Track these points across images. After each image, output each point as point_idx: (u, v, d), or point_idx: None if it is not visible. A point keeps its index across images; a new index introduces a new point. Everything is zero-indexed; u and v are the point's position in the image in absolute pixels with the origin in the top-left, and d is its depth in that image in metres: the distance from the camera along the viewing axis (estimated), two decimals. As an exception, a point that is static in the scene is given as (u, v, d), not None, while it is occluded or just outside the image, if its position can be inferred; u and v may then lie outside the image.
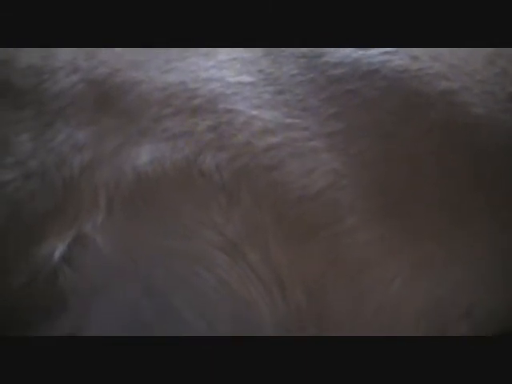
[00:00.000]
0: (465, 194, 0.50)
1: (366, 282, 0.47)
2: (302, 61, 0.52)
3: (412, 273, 0.47)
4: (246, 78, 0.51)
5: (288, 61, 0.52)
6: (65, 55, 0.53)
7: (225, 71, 0.51)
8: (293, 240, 0.47)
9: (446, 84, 0.51)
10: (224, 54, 0.53)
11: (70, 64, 0.52)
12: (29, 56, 0.53)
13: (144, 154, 0.47)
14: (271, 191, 0.47)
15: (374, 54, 0.52)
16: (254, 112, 0.49)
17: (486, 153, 0.50)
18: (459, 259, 0.49)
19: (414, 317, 0.48)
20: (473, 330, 0.49)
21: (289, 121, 0.49)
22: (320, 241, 0.47)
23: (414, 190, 0.49)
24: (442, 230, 0.49)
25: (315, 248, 0.47)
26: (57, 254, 0.45)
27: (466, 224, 0.49)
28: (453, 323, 0.49)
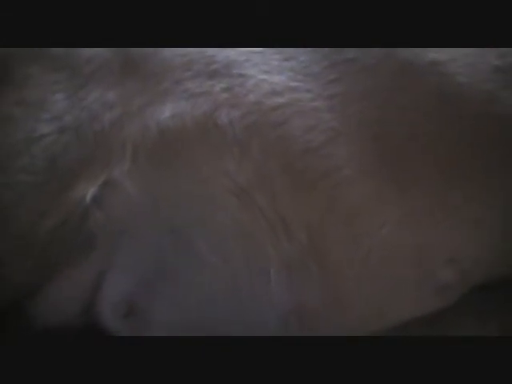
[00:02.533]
0: (459, 159, 0.53)
1: (359, 226, 0.50)
2: None
3: (400, 220, 0.51)
4: (256, 48, 0.54)
5: None
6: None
7: None
8: (297, 187, 0.50)
9: (434, 55, 0.54)
10: None
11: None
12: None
13: (167, 111, 0.50)
14: (278, 145, 0.50)
15: None
16: (263, 76, 0.52)
17: (476, 120, 0.53)
18: (445, 210, 0.52)
19: (403, 260, 0.51)
20: (459, 276, 0.53)
21: (294, 84, 0.52)
22: (320, 188, 0.50)
23: (409, 148, 0.52)
24: (431, 184, 0.52)
25: (316, 195, 0.50)
26: (88, 197, 0.48)
27: (456, 181, 0.52)
28: (439, 269, 0.52)
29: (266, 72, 0.52)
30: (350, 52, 0.54)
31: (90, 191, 0.48)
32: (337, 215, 0.50)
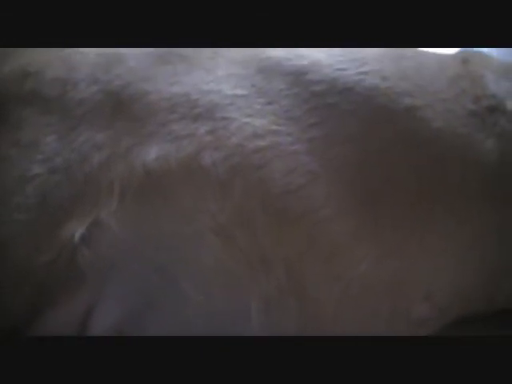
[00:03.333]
0: (431, 196, 0.54)
1: (338, 263, 0.51)
2: (289, 78, 0.56)
3: (377, 257, 0.52)
4: (240, 91, 0.54)
5: (277, 78, 0.55)
6: (85, 69, 0.56)
7: (222, 85, 0.54)
8: (277, 226, 0.50)
9: (410, 101, 0.55)
10: (222, 70, 0.56)
11: (90, 77, 0.55)
12: (54, 69, 0.56)
13: (152, 153, 0.51)
14: (259, 186, 0.51)
15: (350, 74, 0.56)
16: (246, 119, 0.53)
17: (446, 161, 0.55)
18: (420, 249, 0.53)
19: (379, 296, 0.52)
20: (434, 312, 0.54)
21: (275, 127, 0.53)
22: (299, 227, 0.51)
23: (385, 190, 0.53)
24: (407, 224, 0.53)
25: (295, 233, 0.51)
26: (77, 236, 0.48)
27: (431, 220, 0.53)
28: (415, 305, 0.54)
29: (248, 115, 0.53)
30: (331, 97, 0.55)
31: (78, 231, 0.49)
32: (316, 252, 0.51)
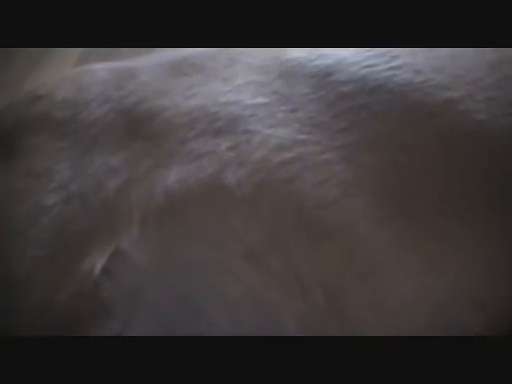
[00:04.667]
0: (475, 200, 0.50)
1: (379, 280, 0.48)
2: (313, 80, 0.53)
3: (423, 272, 0.48)
4: (261, 100, 0.52)
5: (300, 81, 0.54)
6: (96, 88, 0.56)
7: (241, 95, 0.53)
8: (311, 244, 0.48)
9: (448, 94, 0.52)
10: (240, 78, 0.54)
11: (101, 95, 0.55)
12: (64, 90, 0.56)
13: (172, 175, 0.49)
14: (289, 202, 0.48)
15: (380, 70, 0.53)
16: (269, 131, 0.50)
17: (492, 158, 0.51)
18: (466, 259, 0.50)
19: (429, 314, 0.49)
20: (489, 326, 0.50)
21: (301, 137, 0.51)
22: (336, 244, 0.48)
23: (424, 196, 0.50)
24: (452, 233, 0.49)
25: (332, 250, 0.48)
26: (97, 269, 0.47)
27: (476, 227, 0.49)
28: (467, 320, 0.50)
29: (271, 126, 0.51)
30: (360, 97, 0.52)
31: (98, 263, 0.47)
32: (355, 270, 0.48)
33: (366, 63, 0.54)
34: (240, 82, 0.54)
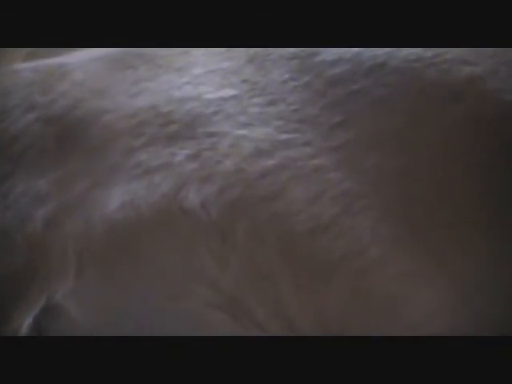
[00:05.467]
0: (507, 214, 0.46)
1: (395, 319, 0.43)
2: (294, 63, 0.51)
3: (451, 309, 0.44)
4: (227, 92, 0.49)
5: (276, 65, 0.51)
6: (19, 92, 0.52)
7: (202, 87, 0.50)
8: (308, 284, 0.43)
9: (469, 70, 0.48)
10: (200, 67, 0.52)
11: (25, 101, 0.51)
12: None
13: (115, 198, 0.45)
14: (273, 226, 0.44)
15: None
16: (242, 131, 0.47)
17: None
18: (503, 278, 0.45)
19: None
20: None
21: (285, 137, 0.46)
22: (340, 281, 0.43)
23: (446, 208, 0.45)
24: (482, 247, 0.45)
25: (336, 291, 0.43)
26: (25, 328, 0.43)
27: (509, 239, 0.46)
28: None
29: (244, 125, 0.47)
30: (355, 81, 0.49)
31: (25, 321, 0.43)
32: (363, 308, 0.43)
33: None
34: (199, 71, 0.51)
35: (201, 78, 0.50)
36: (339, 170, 0.45)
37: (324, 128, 0.47)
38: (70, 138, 0.48)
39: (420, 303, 0.43)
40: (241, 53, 0.52)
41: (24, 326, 0.42)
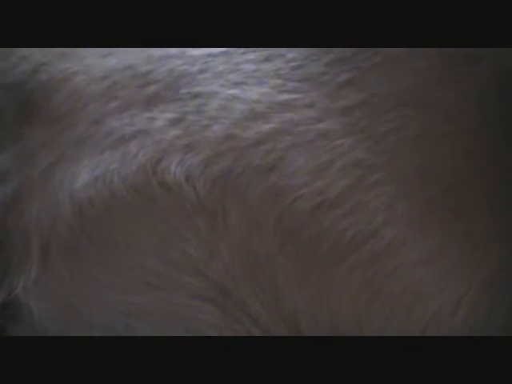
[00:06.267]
0: None
1: (422, 318, 0.39)
2: None
3: (477, 296, 0.40)
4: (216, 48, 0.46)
5: None
6: None
7: None
8: (311, 271, 0.40)
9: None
10: None
11: None
12: None
13: (84, 173, 0.42)
14: (271, 204, 0.41)
15: None
16: (233, 91, 0.43)
17: None
18: None
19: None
20: None
21: (284, 97, 0.43)
22: (350, 269, 0.40)
23: (472, 178, 0.42)
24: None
25: (344, 281, 0.40)
26: None
27: None
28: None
29: (236, 84, 0.44)
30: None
31: None
32: (382, 309, 0.39)
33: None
34: None
35: None
36: (349, 136, 0.42)
37: (330, 87, 0.43)
38: (32, 106, 0.46)
39: (441, 296, 0.40)
40: None
41: None
